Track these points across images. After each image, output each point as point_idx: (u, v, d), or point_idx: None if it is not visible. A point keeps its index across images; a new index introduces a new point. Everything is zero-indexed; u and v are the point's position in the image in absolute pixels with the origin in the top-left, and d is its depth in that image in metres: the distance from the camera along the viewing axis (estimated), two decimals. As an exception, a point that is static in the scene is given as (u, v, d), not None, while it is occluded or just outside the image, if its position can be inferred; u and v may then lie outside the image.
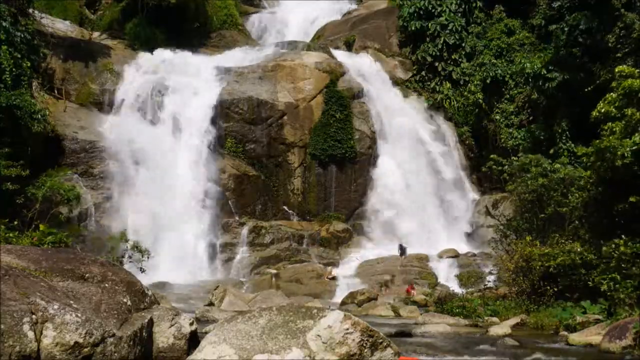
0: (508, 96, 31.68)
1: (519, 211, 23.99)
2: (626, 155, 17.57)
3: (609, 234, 19.01)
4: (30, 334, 8.37)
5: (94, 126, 29.14)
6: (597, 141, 18.87)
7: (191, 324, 10.57)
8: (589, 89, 25.32)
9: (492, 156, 26.01)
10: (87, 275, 10.08)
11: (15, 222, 19.89)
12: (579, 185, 21.39)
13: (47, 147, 26.42)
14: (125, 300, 9.94)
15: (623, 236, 17.66)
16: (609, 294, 17.20)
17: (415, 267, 26.55)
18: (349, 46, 36.38)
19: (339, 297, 24.09)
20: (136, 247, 21.24)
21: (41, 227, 19.94)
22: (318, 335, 8.58)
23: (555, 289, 19.52)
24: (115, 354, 9.02)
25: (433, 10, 34.30)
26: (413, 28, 34.51)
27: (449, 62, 33.88)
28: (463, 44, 33.89)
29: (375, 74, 33.83)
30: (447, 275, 25.99)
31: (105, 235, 25.01)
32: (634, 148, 17.49)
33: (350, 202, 30.72)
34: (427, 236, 29.73)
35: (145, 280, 14.61)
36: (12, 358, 8.11)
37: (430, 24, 34.17)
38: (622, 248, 17.24)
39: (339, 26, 38.72)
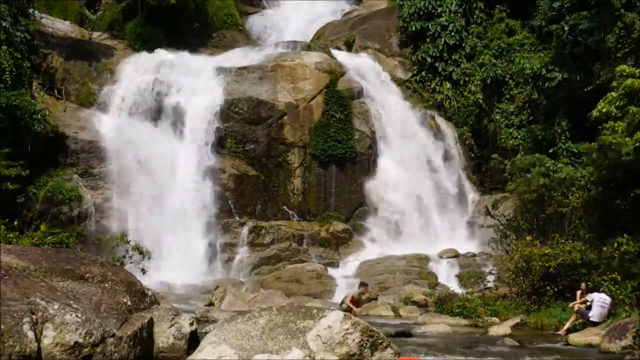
0: (508, 96, 31.65)
1: (519, 211, 24.00)
2: (630, 153, 17.61)
3: (609, 233, 19.05)
4: (30, 334, 8.38)
5: (94, 126, 29.11)
6: (602, 137, 18.87)
7: (191, 324, 10.59)
8: (589, 88, 25.34)
9: (494, 155, 26.04)
10: (87, 275, 10.09)
11: (16, 222, 19.87)
12: (579, 185, 21.41)
13: (47, 147, 26.39)
14: (125, 300, 9.96)
15: (624, 235, 17.70)
16: (608, 294, 17.23)
17: (415, 267, 26.53)
18: (349, 46, 36.32)
19: (339, 297, 24.06)
20: (137, 249, 21.24)
21: (42, 227, 19.93)
22: (318, 336, 8.58)
23: (555, 289, 19.54)
24: (115, 354, 9.03)
25: (433, 11, 34.26)
26: (413, 28, 34.48)
27: (449, 62, 33.83)
28: (463, 44, 33.86)
29: (375, 74, 33.78)
30: (447, 275, 25.95)
31: (106, 235, 25.00)
32: (636, 145, 17.53)
33: (350, 202, 30.68)
34: (427, 236, 29.70)
35: (145, 280, 14.60)
36: (12, 358, 8.11)
37: (430, 25, 34.14)
38: (624, 247, 17.27)
39: (339, 26, 38.69)
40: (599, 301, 16.82)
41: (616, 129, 18.68)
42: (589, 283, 18.18)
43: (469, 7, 34.47)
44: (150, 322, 10.04)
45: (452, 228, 30.43)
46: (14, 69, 24.97)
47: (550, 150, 27.23)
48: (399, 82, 34.04)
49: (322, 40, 37.21)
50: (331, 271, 26.90)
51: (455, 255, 27.61)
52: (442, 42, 33.75)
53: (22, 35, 26.69)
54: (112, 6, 35.80)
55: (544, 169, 22.50)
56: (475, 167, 32.06)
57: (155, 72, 31.38)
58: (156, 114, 30.26)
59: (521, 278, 20.55)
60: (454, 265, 26.66)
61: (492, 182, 29.99)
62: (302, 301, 21.39)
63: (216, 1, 38.65)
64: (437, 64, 33.93)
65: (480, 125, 32.37)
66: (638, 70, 19.64)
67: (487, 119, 32.08)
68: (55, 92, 29.94)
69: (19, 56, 25.95)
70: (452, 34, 33.74)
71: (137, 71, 31.48)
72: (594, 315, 16.75)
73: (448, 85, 33.60)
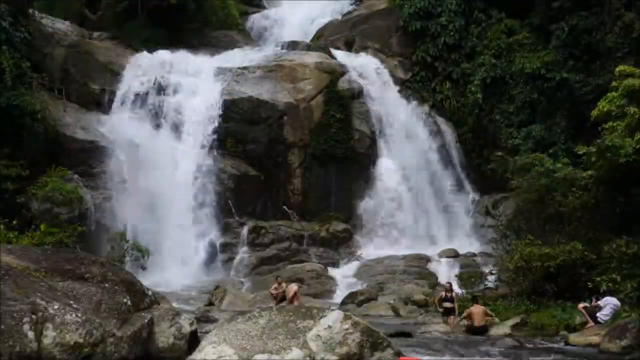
0: (508, 96, 31.63)
1: (519, 211, 23.99)
2: (628, 153, 17.60)
3: (609, 233, 19.06)
4: (31, 334, 8.39)
5: (94, 126, 29.10)
6: (599, 140, 18.91)
7: (191, 324, 10.58)
8: (589, 88, 25.36)
9: (498, 153, 26.02)
10: (87, 275, 10.09)
11: (15, 222, 19.88)
12: (579, 185, 21.40)
13: (47, 147, 26.40)
14: (125, 300, 9.95)
15: (624, 236, 17.70)
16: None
17: (415, 267, 26.53)
18: (349, 46, 36.29)
19: (339, 297, 24.08)
20: (136, 247, 21.26)
21: (41, 227, 19.95)
22: (318, 335, 8.59)
23: (555, 289, 19.55)
24: (115, 354, 9.04)
25: (433, 11, 34.24)
26: (413, 28, 34.45)
27: (449, 62, 33.80)
28: (463, 44, 33.84)
29: (375, 74, 33.74)
30: (447, 275, 25.92)
31: (106, 235, 25.01)
32: (636, 147, 17.53)
33: (350, 202, 30.64)
34: (427, 236, 29.70)
35: (145, 280, 14.60)
36: (12, 358, 8.12)
37: (430, 24, 34.12)
38: (622, 248, 17.28)
39: (339, 26, 38.66)
40: (613, 305, 16.90)
41: (616, 128, 18.68)
42: (589, 283, 18.20)
43: (469, 7, 34.43)
44: (150, 322, 10.03)
45: (452, 228, 30.43)
46: (14, 69, 24.98)
47: (551, 150, 27.22)
48: (399, 82, 34.00)
49: (322, 40, 37.18)
50: (331, 271, 26.90)
51: (455, 255, 27.60)
52: (442, 42, 33.72)
53: (22, 35, 26.69)
54: (112, 6, 35.78)
55: (544, 169, 22.49)
56: (475, 167, 32.03)
57: (156, 72, 31.36)
58: (156, 114, 30.24)
59: (521, 278, 20.55)
60: (454, 265, 26.66)
61: (492, 182, 29.95)
62: (302, 301, 21.35)
63: (216, 1, 38.63)
64: (437, 64, 33.91)
65: (480, 125, 32.34)
66: (638, 70, 19.63)
67: (487, 119, 32.06)
68: (55, 92, 29.92)
69: (19, 56, 25.95)
70: (452, 33, 33.71)
71: (137, 71, 31.45)
72: (605, 317, 16.80)
73: (448, 85, 33.57)
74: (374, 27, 36.73)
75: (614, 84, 19.74)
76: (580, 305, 17.41)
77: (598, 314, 16.91)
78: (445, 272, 26.19)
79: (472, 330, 17.73)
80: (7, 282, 8.91)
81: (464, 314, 18.45)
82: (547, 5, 30.21)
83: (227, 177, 29.44)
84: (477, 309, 18.01)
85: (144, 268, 19.65)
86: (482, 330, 17.64)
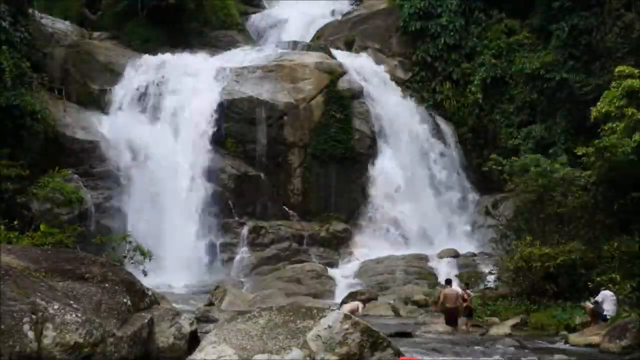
0: (508, 96, 31.65)
1: (519, 211, 24.00)
2: (626, 152, 17.61)
3: (609, 233, 19.08)
4: (30, 334, 8.39)
5: (94, 126, 29.14)
6: (597, 141, 18.94)
7: (191, 324, 10.57)
8: (589, 88, 25.36)
9: (492, 156, 26.07)
10: (87, 275, 10.08)
11: (16, 222, 19.87)
12: (579, 185, 21.41)
13: (47, 147, 26.43)
14: (125, 300, 9.95)
15: (624, 236, 17.72)
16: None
17: (415, 267, 26.53)
18: (349, 46, 36.30)
19: (339, 297, 24.08)
20: (139, 249, 21.18)
21: (41, 227, 19.91)
22: (318, 336, 8.59)
23: (555, 289, 19.57)
24: (115, 354, 9.04)
25: (433, 11, 34.25)
26: (413, 28, 34.45)
27: (449, 62, 33.81)
28: (463, 44, 33.85)
29: (375, 74, 33.76)
30: (447, 275, 25.91)
31: (106, 235, 24.97)
32: (634, 147, 17.55)
33: (350, 202, 30.67)
34: (427, 236, 29.70)
35: (145, 280, 14.59)
36: (12, 358, 8.12)
37: (430, 25, 34.12)
38: (623, 247, 17.31)
39: (339, 26, 38.67)
40: (611, 298, 16.92)
41: (615, 129, 18.69)
42: (589, 283, 18.23)
43: (469, 7, 34.44)
44: (151, 322, 10.03)
45: (452, 228, 30.43)
46: (13, 69, 25.00)
47: (551, 151, 27.24)
48: (399, 82, 34.00)
49: (322, 40, 37.18)
50: (331, 271, 26.91)
51: (455, 255, 27.60)
52: (442, 42, 33.71)
53: (22, 35, 26.71)
54: (112, 6, 35.80)
55: (541, 170, 22.49)
56: (475, 167, 32.04)
57: (155, 72, 31.38)
58: (156, 114, 30.27)
59: (521, 278, 20.57)
60: (453, 265, 26.66)
61: (492, 182, 29.97)
62: (302, 301, 21.38)
63: (216, 1, 38.62)
64: (437, 64, 33.91)
65: (480, 125, 32.37)
66: (638, 70, 19.62)
67: (487, 119, 32.08)
68: (55, 92, 29.95)
69: (19, 56, 25.97)
70: (452, 33, 33.71)
71: (137, 71, 31.49)
72: (608, 311, 16.84)
73: (448, 85, 33.57)
74: (373, 27, 36.73)
75: (613, 84, 19.74)
76: (589, 305, 17.36)
77: (603, 312, 16.96)
78: (445, 272, 26.19)
79: (446, 311, 18.15)
80: (7, 282, 8.91)
81: (437, 296, 19.12)
82: (547, 5, 30.21)
83: (227, 177, 29.45)
84: (450, 291, 18.54)
85: (145, 274, 19.57)
86: (454, 313, 18.01)
